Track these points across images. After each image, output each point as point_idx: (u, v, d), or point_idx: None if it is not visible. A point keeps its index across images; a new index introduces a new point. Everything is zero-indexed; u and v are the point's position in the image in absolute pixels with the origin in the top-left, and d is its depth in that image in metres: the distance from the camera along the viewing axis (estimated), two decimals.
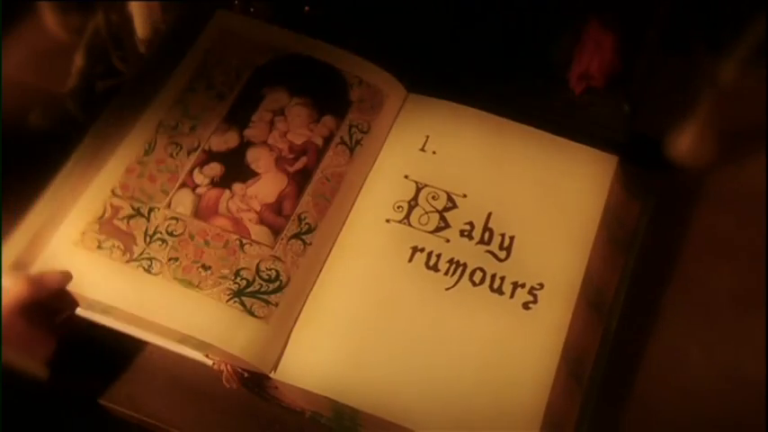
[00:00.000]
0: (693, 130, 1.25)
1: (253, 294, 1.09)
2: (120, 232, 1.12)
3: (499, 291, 1.10)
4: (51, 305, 1.10)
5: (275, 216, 1.14)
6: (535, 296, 1.09)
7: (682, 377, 1.12)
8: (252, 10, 1.39)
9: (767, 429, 1.06)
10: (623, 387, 1.11)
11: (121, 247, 1.11)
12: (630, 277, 1.15)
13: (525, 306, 1.09)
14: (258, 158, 1.19)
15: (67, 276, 1.09)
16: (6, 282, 1.06)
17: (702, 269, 1.19)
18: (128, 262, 1.10)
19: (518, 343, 1.06)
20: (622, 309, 1.13)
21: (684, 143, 1.25)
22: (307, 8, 1.40)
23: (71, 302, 1.10)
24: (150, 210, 1.14)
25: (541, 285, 1.10)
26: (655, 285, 1.17)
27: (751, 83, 1.23)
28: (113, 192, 1.15)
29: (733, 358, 1.12)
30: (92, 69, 1.34)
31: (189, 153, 1.18)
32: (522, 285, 1.10)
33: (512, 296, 1.09)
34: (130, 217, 1.13)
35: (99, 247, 1.11)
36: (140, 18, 1.33)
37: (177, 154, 1.18)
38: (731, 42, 1.22)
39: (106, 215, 1.13)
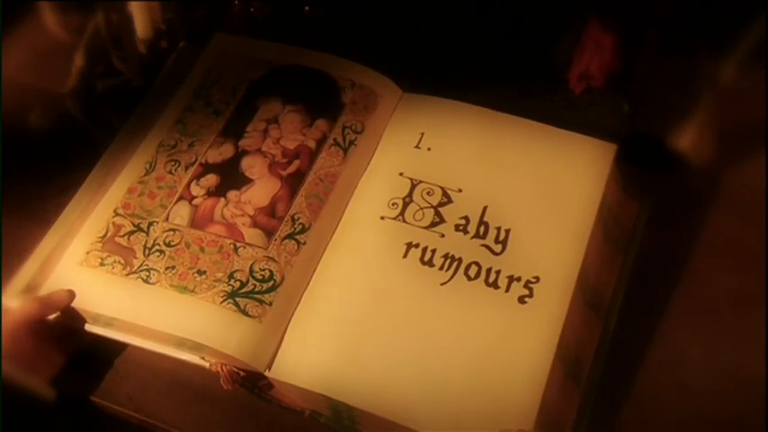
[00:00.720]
0: (693, 131, 1.24)
1: (246, 295, 1.10)
2: (120, 248, 1.16)
3: (494, 285, 1.09)
4: (62, 323, 1.12)
5: (269, 218, 1.16)
6: (531, 290, 1.09)
7: (682, 377, 1.11)
8: (252, 10, 1.39)
9: (767, 429, 1.05)
10: (622, 387, 1.10)
11: (122, 261, 1.14)
12: (629, 277, 1.14)
13: (521, 300, 1.08)
14: (252, 165, 1.21)
15: (72, 294, 1.12)
16: (14, 303, 1.09)
17: (702, 269, 1.18)
18: (128, 275, 1.13)
19: (514, 337, 1.06)
20: (621, 309, 1.12)
21: (684, 143, 1.24)
22: (307, 8, 1.40)
23: (79, 319, 1.13)
24: (150, 224, 1.17)
25: (537, 279, 1.09)
26: (654, 285, 1.16)
27: (751, 83, 1.23)
28: (116, 211, 1.19)
29: (733, 358, 1.11)
30: (92, 69, 1.35)
31: (186, 168, 1.21)
32: (518, 279, 1.09)
33: (507, 290, 1.09)
34: (131, 233, 1.17)
35: (101, 264, 1.15)
36: (140, 18, 1.33)
37: (176, 170, 1.21)
38: (731, 42, 1.22)
39: (108, 234, 1.17)
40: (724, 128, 1.25)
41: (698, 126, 1.24)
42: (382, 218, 1.16)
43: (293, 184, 1.18)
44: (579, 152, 1.18)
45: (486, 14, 1.37)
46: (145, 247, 1.15)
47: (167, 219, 1.17)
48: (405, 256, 1.12)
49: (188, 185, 1.19)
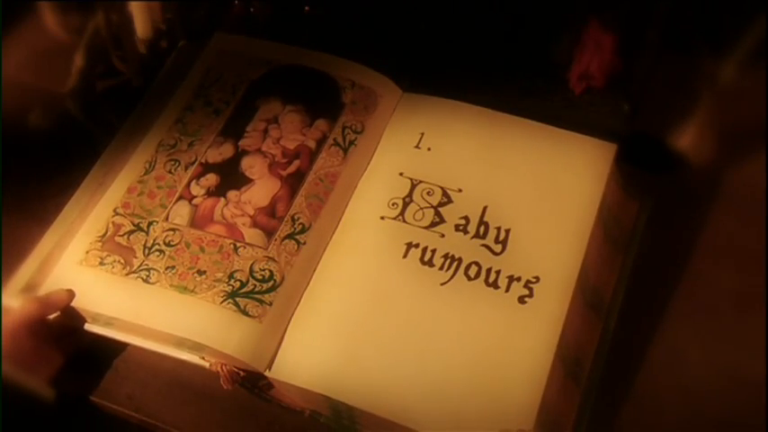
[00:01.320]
0: (693, 131, 1.24)
1: (246, 295, 1.10)
2: (120, 248, 1.15)
3: (494, 285, 1.09)
4: (62, 322, 1.12)
5: (269, 218, 1.16)
6: (531, 290, 1.08)
7: (682, 377, 1.11)
8: (252, 10, 1.39)
9: (767, 429, 1.05)
10: (623, 387, 1.10)
11: (122, 261, 1.14)
12: (629, 277, 1.14)
13: (521, 300, 1.08)
14: (252, 165, 1.21)
15: (71, 294, 1.12)
16: (14, 302, 1.09)
17: (702, 269, 1.18)
18: (127, 275, 1.13)
19: (514, 337, 1.05)
20: (621, 309, 1.12)
21: (684, 143, 1.24)
22: (307, 8, 1.40)
23: (79, 319, 1.13)
24: (149, 224, 1.17)
25: (537, 279, 1.09)
26: (654, 285, 1.16)
27: (751, 83, 1.23)
28: (115, 211, 1.19)
29: (733, 358, 1.11)
30: (92, 69, 1.35)
31: (186, 168, 1.21)
32: (518, 279, 1.09)
33: (507, 290, 1.09)
34: (131, 233, 1.17)
35: (101, 263, 1.15)
36: (140, 18, 1.33)
37: (175, 170, 1.21)
38: (731, 42, 1.22)
39: (108, 233, 1.17)
40: (724, 128, 1.24)
41: (698, 126, 1.24)
42: (382, 218, 1.16)
43: (293, 184, 1.18)
44: (579, 152, 1.18)
45: (486, 14, 1.37)
46: (145, 246, 1.15)
47: (167, 218, 1.17)
48: (405, 256, 1.12)
49: (188, 185, 1.19)
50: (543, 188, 1.16)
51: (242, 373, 1.10)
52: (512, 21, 1.36)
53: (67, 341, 1.13)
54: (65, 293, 1.11)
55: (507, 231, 1.13)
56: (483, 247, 1.12)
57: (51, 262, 1.16)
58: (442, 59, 1.35)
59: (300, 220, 1.15)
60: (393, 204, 1.16)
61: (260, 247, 1.13)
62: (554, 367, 1.04)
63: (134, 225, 1.16)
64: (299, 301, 1.11)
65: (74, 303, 1.11)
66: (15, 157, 1.23)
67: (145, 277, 1.12)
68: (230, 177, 1.20)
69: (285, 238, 1.14)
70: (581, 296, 1.09)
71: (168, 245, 1.14)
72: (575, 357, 1.08)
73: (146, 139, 1.25)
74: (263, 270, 1.12)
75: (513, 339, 1.05)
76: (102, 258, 1.14)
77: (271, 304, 1.09)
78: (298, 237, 1.14)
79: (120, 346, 1.17)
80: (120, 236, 1.16)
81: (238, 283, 1.11)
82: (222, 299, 1.10)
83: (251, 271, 1.11)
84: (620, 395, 1.10)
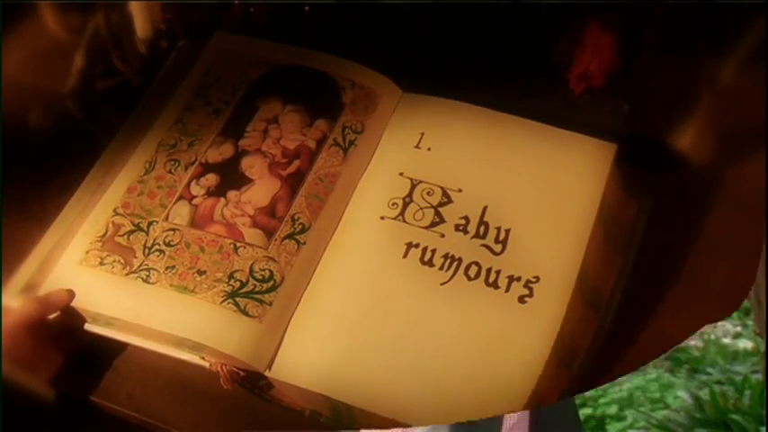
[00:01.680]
0: (693, 131, 1.24)
1: (246, 295, 1.10)
2: (120, 248, 1.15)
3: (494, 285, 1.09)
4: (62, 322, 1.12)
5: (269, 218, 1.16)
6: (531, 290, 1.08)
7: None
8: (252, 10, 1.39)
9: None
10: None
11: (122, 261, 1.14)
12: (628, 277, 1.15)
13: (521, 300, 1.08)
14: (252, 165, 1.21)
15: (71, 294, 1.12)
16: (14, 302, 1.09)
17: (701, 269, 1.18)
18: (127, 275, 1.13)
19: (514, 337, 1.05)
20: (620, 309, 1.13)
21: (684, 143, 1.24)
22: (307, 8, 1.40)
23: (79, 318, 1.13)
24: (149, 224, 1.17)
25: (537, 278, 1.09)
26: (653, 286, 1.16)
27: (751, 83, 1.23)
28: (115, 211, 1.19)
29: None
30: (92, 69, 1.35)
31: (186, 168, 1.21)
32: (518, 279, 1.09)
33: (507, 290, 1.08)
34: (130, 233, 1.16)
35: (101, 263, 1.14)
36: (140, 18, 1.33)
37: (175, 170, 1.21)
38: (731, 42, 1.22)
39: (108, 233, 1.17)
40: (724, 128, 1.24)
41: (698, 126, 1.24)
42: (382, 218, 1.15)
43: (293, 183, 1.18)
44: (579, 152, 1.18)
45: (485, 15, 1.36)
46: (145, 246, 1.15)
47: (167, 218, 1.17)
48: (405, 256, 1.12)
49: (188, 185, 1.19)
50: (543, 188, 1.16)
51: (242, 373, 1.10)
52: (512, 21, 1.36)
53: (67, 341, 1.13)
54: (65, 293, 1.11)
55: (507, 231, 1.13)
56: (483, 247, 1.12)
57: (51, 262, 1.16)
58: (442, 59, 1.35)
59: (300, 220, 1.15)
60: (393, 204, 1.16)
61: (260, 247, 1.13)
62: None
63: (134, 225, 1.16)
64: (299, 301, 1.11)
65: (74, 303, 1.11)
66: (15, 157, 1.23)
67: (145, 277, 1.12)
68: (230, 177, 1.20)
69: (285, 238, 1.14)
70: (580, 296, 1.09)
71: (168, 245, 1.14)
72: (574, 355, 1.08)
73: (146, 139, 1.24)
74: (263, 270, 1.12)
75: (513, 339, 1.05)
76: (102, 258, 1.14)
77: (271, 304, 1.09)
78: (298, 237, 1.14)
79: (120, 346, 1.16)
80: (120, 236, 1.16)
81: (238, 283, 1.11)
82: (222, 299, 1.10)
83: (251, 271, 1.11)
84: None
